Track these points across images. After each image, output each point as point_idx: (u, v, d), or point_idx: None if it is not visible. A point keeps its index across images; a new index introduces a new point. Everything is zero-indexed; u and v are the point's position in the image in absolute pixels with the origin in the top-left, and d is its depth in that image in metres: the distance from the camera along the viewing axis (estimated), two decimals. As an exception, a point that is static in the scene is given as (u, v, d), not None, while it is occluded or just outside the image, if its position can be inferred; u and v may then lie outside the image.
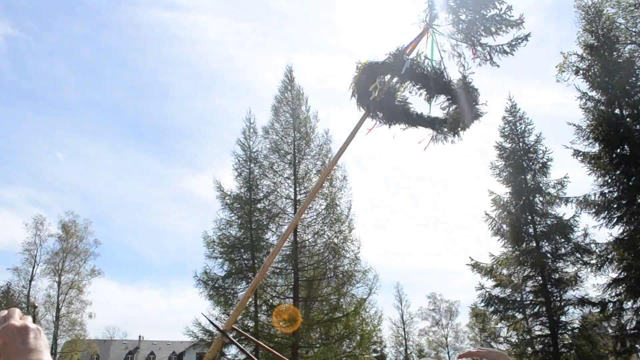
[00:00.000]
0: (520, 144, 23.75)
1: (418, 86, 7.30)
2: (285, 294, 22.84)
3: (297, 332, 20.02)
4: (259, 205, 22.75)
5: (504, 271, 22.80)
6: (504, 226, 23.08)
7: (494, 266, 22.87)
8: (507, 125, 24.25)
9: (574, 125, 20.84)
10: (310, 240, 22.60)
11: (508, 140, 23.98)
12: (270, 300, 22.44)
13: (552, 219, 22.46)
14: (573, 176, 22.94)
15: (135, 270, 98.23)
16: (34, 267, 45.60)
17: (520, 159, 23.32)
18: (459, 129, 7.38)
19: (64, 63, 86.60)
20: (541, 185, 23.01)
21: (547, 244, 22.56)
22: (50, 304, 44.64)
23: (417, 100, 7.28)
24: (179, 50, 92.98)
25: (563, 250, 22.11)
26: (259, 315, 21.08)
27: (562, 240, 22.06)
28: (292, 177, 22.85)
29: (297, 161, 23.00)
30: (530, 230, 22.63)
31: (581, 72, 21.09)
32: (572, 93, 27.01)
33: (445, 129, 7.47)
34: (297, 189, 22.69)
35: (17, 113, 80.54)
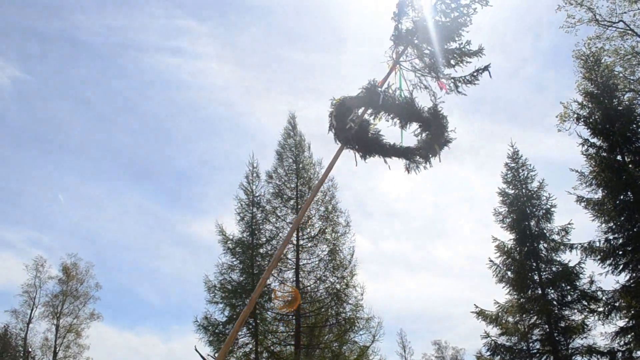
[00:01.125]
0: (524, 190, 23.72)
1: (392, 116, 8.13)
2: (287, 341, 22.46)
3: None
4: (261, 250, 22.65)
5: (510, 319, 22.38)
6: (509, 273, 22.79)
7: (500, 314, 22.45)
8: (509, 172, 24.28)
9: (577, 171, 20.88)
10: (312, 286, 22.40)
11: (511, 187, 23.95)
12: (272, 347, 22.05)
13: (557, 266, 22.18)
14: (577, 222, 22.81)
15: (135, 315, 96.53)
16: (32, 310, 45.15)
17: (524, 205, 23.24)
18: (431, 155, 7.93)
19: (69, 106, 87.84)
20: (545, 231, 22.84)
21: (552, 291, 22.21)
22: (47, 347, 43.99)
23: (391, 131, 8.10)
24: (183, 95, 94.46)
25: (569, 298, 21.72)
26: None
27: (568, 287, 21.71)
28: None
29: (299, 206, 23.02)
30: (536, 277, 22.33)
31: (582, 119, 21.27)
32: (573, 139, 27.15)
33: (418, 158, 8.05)
34: (300, 234, 22.62)
35: (21, 154, 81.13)
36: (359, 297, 22.20)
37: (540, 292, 22.02)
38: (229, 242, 22.72)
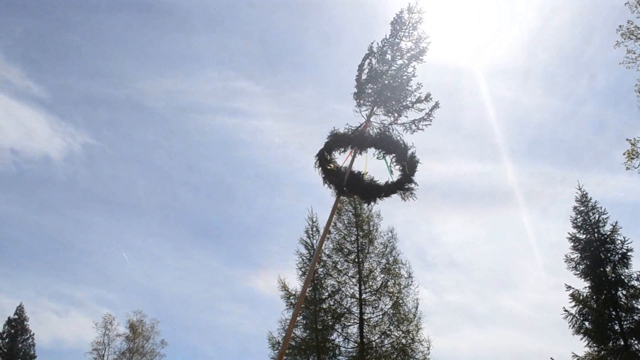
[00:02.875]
0: (596, 235, 22.57)
1: (375, 149, 11.02)
2: (353, 399, 21.77)
3: None
4: (324, 305, 22.38)
5: (591, 373, 20.94)
6: (586, 323, 21.45)
7: (579, 368, 21.07)
8: (579, 216, 23.24)
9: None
10: (377, 341, 21.80)
11: (582, 231, 22.88)
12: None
13: (639, 315, 20.75)
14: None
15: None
16: (102, 367, 46.04)
17: (597, 251, 22.07)
18: (407, 178, 10.61)
19: (135, 168, 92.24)
20: (623, 277, 21.52)
21: (636, 342, 20.69)
22: (117, 405, 44.48)
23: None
24: (243, 153, 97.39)
25: (656, 349, 20.18)
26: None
27: (654, 337, 20.21)
28: (357, 276, 22.53)
29: (360, 260, 22.78)
30: (616, 327, 20.93)
31: (652, 155, 20.25)
32: (642, 177, 25.83)
33: (404, 186, 10.66)
34: (362, 287, 22.29)
35: (89, 215, 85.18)
36: (425, 352, 21.43)
37: (622, 343, 20.58)
38: (291, 297, 22.62)
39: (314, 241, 23.70)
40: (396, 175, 10.88)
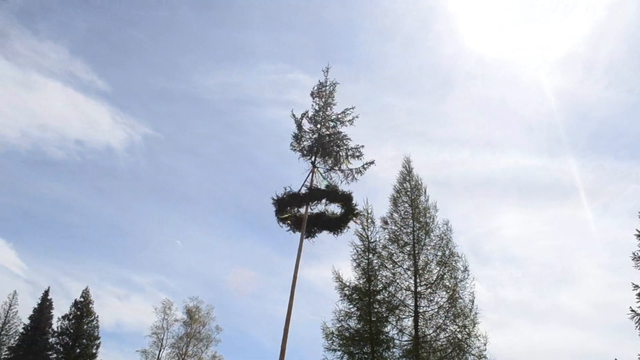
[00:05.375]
0: (667, 231, 21.43)
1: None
2: (407, 393, 21.58)
3: None
4: (378, 297, 22.25)
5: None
6: (656, 324, 20.45)
7: (648, 370, 20.11)
8: (649, 210, 22.13)
9: None
10: (432, 334, 21.51)
11: (652, 227, 21.75)
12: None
13: None
14: None
15: (251, 357, 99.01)
16: (160, 350, 47.83)
17: (668, 249, 20.96)
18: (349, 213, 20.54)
19: (191, 159, 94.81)
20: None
21: None
22: (174, 388, 46.03)
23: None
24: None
25: None
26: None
27: None
28: (412, 268, 22.29)
29: (416, 252, 22.51)
30: (689, 328, 19.84)
31: None
32: None
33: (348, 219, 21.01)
34: (417, 280, 22.04)
35: (148, 205, 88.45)
36: (482, 347, 20.92)
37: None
38: (345, 288, 22.60)
39: (369, 233, 23.57)
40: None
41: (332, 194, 19.69)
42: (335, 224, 20.44)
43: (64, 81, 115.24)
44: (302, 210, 21.50)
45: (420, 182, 23.99)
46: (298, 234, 21.24)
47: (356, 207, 20.58)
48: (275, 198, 21.22)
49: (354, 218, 20.01)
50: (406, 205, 23.48)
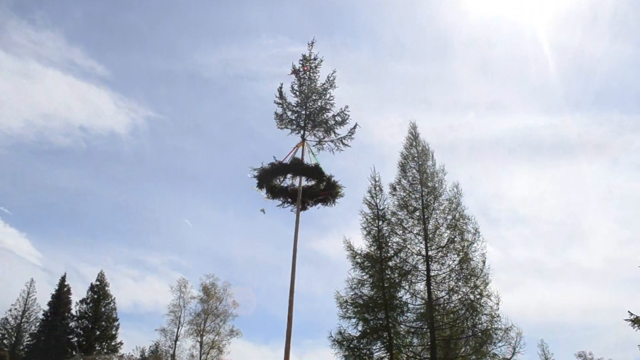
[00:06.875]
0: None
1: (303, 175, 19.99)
2: (422, 355, 21.95)
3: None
4: (390, 263, 22.49)
5: (672, 327, 20.16)
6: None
7: (659, 321, 20.31)
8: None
9: None
10: (444, 297, 21.79)
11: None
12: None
13: None
14: None
15: (268, 330, 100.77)
16: (178, 328, 48.71)
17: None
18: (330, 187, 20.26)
19: (194, 139, 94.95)
20: None
21: None
22: (194, 363, 46.98)
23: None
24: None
25: None
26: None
27: None
28: (422, 233, 22.46)
29: (426, 216, 22.65)
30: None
31: None
32: None
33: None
34: (428, 244, 22.23)
35: (155, 187, 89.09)
36: (494, 307, 21.12)
37: None
38: (357, 256, 22.85)
39: (377, 200, 23.71)
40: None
41: (306, 169, 19.69)
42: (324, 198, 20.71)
43: (64, 69, 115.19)
44: (288, 183, 20.93)
45: (427, 147, 24.05)
46: (288, 207, 20.81)
47: (337, 182, 20.37)
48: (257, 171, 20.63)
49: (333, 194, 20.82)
50: (414, 170, 23.56)
